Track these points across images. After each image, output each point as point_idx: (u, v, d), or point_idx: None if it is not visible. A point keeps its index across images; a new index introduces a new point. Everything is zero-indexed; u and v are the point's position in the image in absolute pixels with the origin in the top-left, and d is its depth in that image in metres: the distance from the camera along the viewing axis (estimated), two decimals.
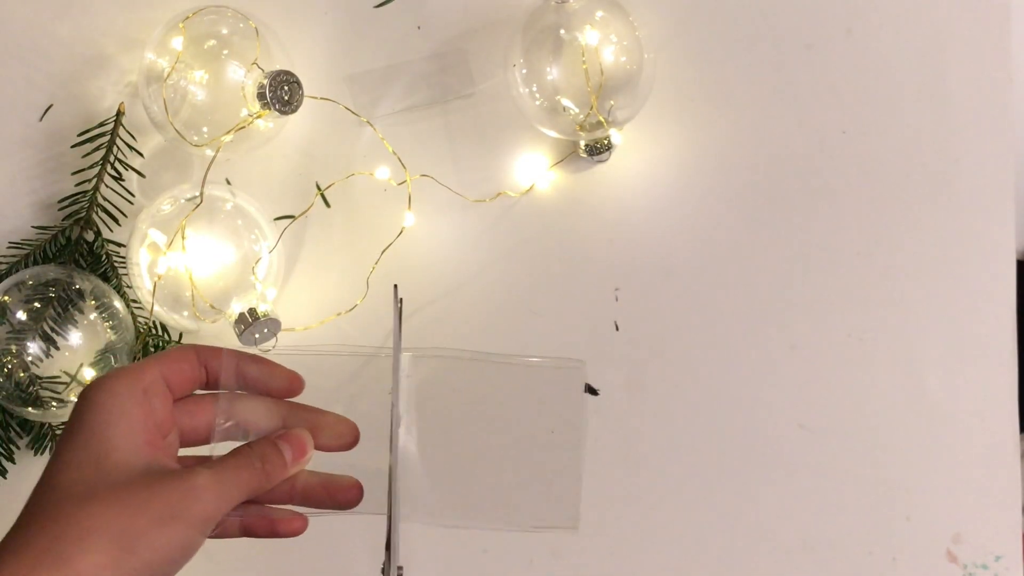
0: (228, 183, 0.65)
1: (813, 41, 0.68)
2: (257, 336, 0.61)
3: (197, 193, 0.61)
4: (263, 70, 0.59)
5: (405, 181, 0.64)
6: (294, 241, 0.66)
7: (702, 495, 0.68)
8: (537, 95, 0.63)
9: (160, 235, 0.60)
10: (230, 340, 0.62)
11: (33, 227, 0.64)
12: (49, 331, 0.58)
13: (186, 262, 0.59)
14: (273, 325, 0.61)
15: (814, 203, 0.68)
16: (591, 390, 0.68)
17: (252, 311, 0.61)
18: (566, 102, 0.63)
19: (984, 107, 0.68)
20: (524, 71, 0.63)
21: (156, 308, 0.61)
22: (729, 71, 0.68)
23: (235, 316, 0.61)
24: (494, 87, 0.67)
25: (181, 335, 0.65)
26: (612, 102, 0.63)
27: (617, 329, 0.68)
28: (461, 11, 0.67)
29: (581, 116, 0.63)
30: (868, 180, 0.68)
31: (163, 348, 0.65)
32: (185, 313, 0.61)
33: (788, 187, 0.68)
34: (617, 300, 0.68)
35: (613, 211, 0.68)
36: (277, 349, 0.60)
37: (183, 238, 0.59)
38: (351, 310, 0.65)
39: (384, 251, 0.65)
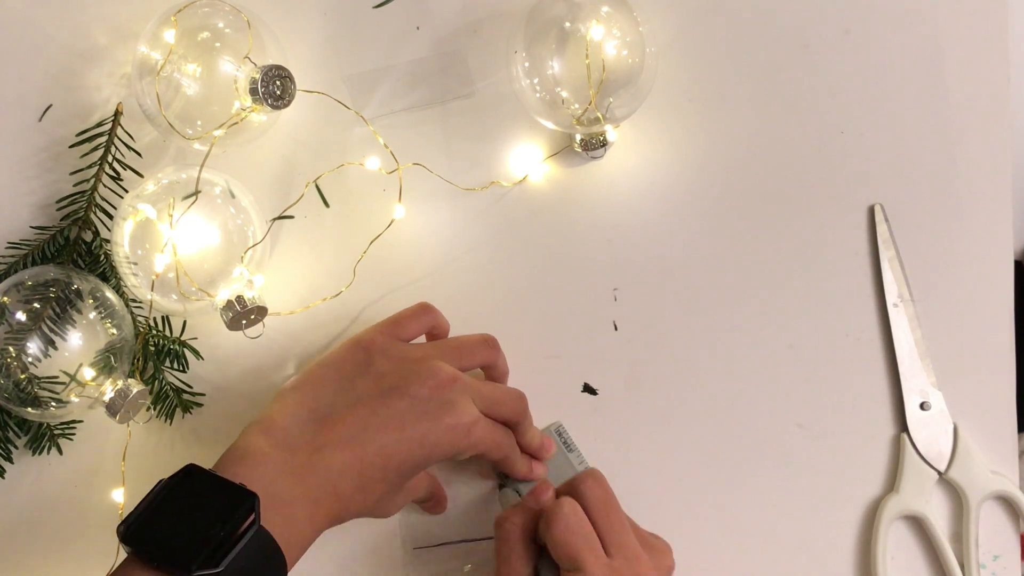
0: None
1: (811, 41, 0.68)
2: (244, 323, 0.61)
3: (181, 176, 0.61)
4: (255, 64, 0.59)
5: (396, 170, 0.65)
6: (282, 227, 0.66)
7: (700, 494, 0.69)
8: (538, 87, 0.63)
9: (151, 208, 0.60)
10: (215, 321, 0.62)
11: (32, 227, 0.64)
12: (48, 331, 0.58)
13: (174, 239, 0.59)
14: (260, 312, 0.62)
15: (812, 203, 0.68)
16: (590, 390, 0.68)
17: (240, 298, 0.61)
18: (566, 95, 0.63)
19: (982, 107, 0.68)
20: (527, 64, 0.63)
21: (142, 290, 0.61)
22: (726, 71, 0.68)
23: (223, 303, 0.61)
24: (493, 86, 0.67)
25: (183, 332, 0.65)
26: (611, 99, 0.63)
27: (616, 329, 0.68)
28: (460, 12, 0.67)
29: (579, 111, 0.63)
30: (865, 180, 0.69)
31: (164, 347, 0.65)
32: (173, 296, 0.60)
33: (786, 187, 0.68)
34: (616, 300, 0.68)
35: (608, 208, 0.68)
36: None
37: (170, 215, 0.59)
38: (336, 296, 0.66)
39: (373, 241, 0.65)
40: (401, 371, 0.59)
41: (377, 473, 0.56)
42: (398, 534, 0.67)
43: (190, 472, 0.52)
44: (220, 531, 0.49)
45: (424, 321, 0.64)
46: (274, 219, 0.65)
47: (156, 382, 0.65)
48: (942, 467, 0.68)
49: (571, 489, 0.60)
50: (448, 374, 0.59)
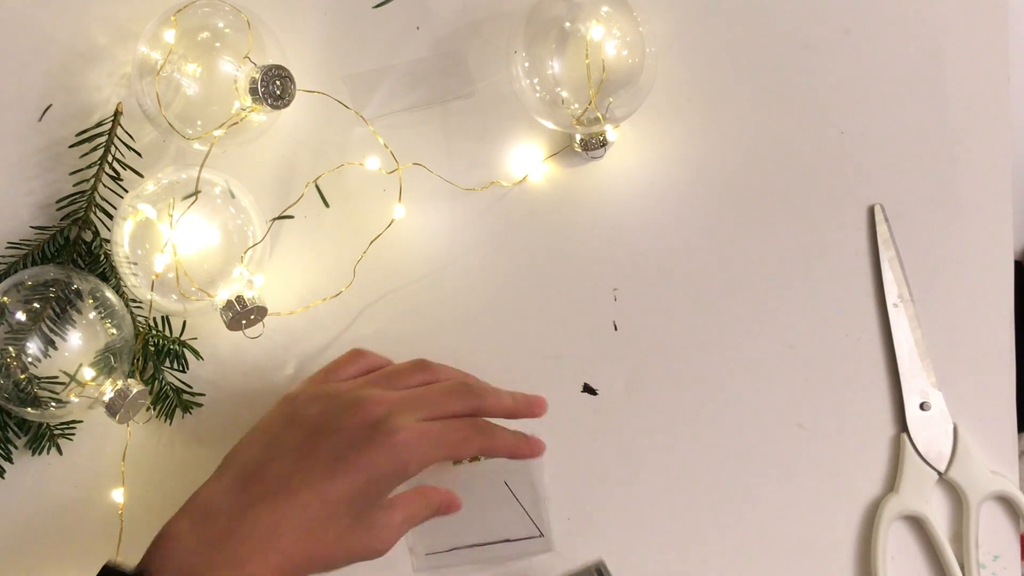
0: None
1: (811, 41, 0.68)
2: (244, 323, 0.62)
3: (181, 176, 0.61)
4: (255, 64, 0.59)
5: (396, 170, 0.65)
6: (282, 227, 0.66)
7: (700, 494, 0.69)
8: (538, 87, 0.63)
9: (151, 208, 0.60)
10: (215, 321, 0.62)
11: (32, 227, 0.64)
12: (48, 331, 0.58)
13: (173, 239, 0.59)
14: (260, 312, 0.62)
15: (812, 203, 0.68)
16: (590, 390, 0.68)
17: (240, 298, 0.61)
18: (566, 95, 0.63)
19: (982, 107, 0.68)
20: (527, 64, 0.63)
21: (142, 290, 0.61)
22: (726, 71, 0.68)
23: (223, 304, 0.61)
24: (493, 86, 0.67)
25: (183, 332, 0.65)
26: (611, 99, 0.63)
27: (616, 329, 0.68)
28: (460, 12, 0.67)
29: (579, 111, 0.63)
30: (866, 180, 0.69)
31: (164, 347, 0.65)
32: (173, 296, 0.60)
33: (786, 187, 0.68)
34: (616, 300, 0.68)
35: (608, 208, 0.68)
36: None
37: (170, 215, 0.59)
38: (336, 296, 0.66)
39: (373, 241, 0.65)
40: (327, 410, 0.57)
41: (319, 514, 0.54)
42: (406, 541, 0.67)
43: (106, 570, 0.53)
44: None
45: (360, 365, 0.63)
46: (274, 219, 0.65)
47: (156, 382, 0.65)
48: (942, 467, 0.68)
49: None
50: (374, 398, 0.57)
